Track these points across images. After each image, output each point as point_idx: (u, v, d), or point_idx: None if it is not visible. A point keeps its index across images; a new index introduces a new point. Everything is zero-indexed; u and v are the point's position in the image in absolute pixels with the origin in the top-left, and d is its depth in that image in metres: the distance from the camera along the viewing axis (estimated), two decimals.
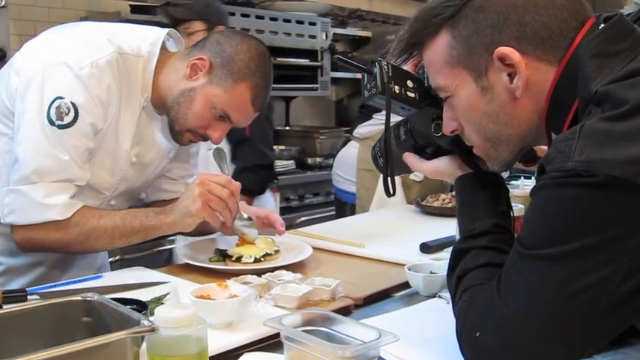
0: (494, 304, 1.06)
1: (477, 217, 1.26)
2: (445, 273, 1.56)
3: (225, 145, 2.75)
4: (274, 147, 4.46)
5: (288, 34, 4.33)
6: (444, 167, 1.38)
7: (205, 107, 1.79)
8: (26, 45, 1.78)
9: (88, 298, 1.13)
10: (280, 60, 4.21)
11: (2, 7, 2.99)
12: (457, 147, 1.33)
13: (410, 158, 1.44)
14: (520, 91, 1.12)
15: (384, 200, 2.87)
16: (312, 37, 4.49)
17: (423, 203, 2.48)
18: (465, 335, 1.11)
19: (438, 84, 1.22)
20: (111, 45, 1.73)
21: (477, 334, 1.07)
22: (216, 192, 1.71)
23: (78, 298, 1.13)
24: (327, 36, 4.57)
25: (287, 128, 4.99)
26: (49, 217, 1.65)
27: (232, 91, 1.78)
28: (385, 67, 1.30)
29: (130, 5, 3.85)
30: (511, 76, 1.12)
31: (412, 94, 1.33)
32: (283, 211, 3.89)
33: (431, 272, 1.63)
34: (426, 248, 1.90)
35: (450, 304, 1.45)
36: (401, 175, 1.44)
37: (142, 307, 1.26)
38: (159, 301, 1.46)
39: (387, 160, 1.39)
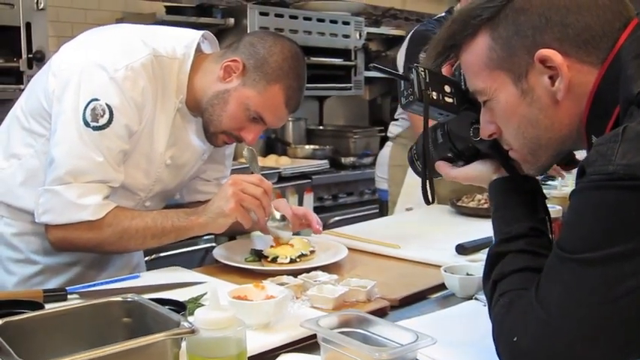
0: (533, 308, 1.04)
1: (513, 220, 1.24)
2: (482, 274, 1.56)
3: None
4: (308, 146, 4.51)
5: (322, 34, 4.33)
6: (477, 172, 1.36)
7: (239, 109, 1.79)
8: (63, 47, 1.81)
9: (128, 299, 1.14)
10: (314, 59, 4.22)
11: (41, 9, 3.03)
12: (496, 151, 1.30)
13: (442, 167, 1.42)
14: (562, 94, 1.10)
15: (409, 194, 2.86)
16: (346, 36, 4.49)
17: (458, 204, 2.47)
18: (502, 340, 1.10)
19: (477, 87, 1.19)
20: (146, 47, 1.75)
21: (515, 339, 1.06)
22: (250, 191, 1.72)
23: (118, 298, 1.15)
24: (360, 35, 4.56)
25: (320, 127, 4.99)
26: (82, 217, 1.67)
27: (266, 93, 1.78)
28: (422, 72, 1.27)
29: (165, 6, 3.89)
30: (552, 78, 1.10)
31: (450, 100, 1.30)
32: (317, 210, 3.87)
33: (467, 274, 1.62)
34: (462, 249, 1.89)
35: (486, 307, 1.45)
36: (437, 178, 1.43)
37: (180, 307, 1.28)
38: (196, 301, 1.47)
39: (425, 167, 1.37)
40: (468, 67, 1.21)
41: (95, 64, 1.69)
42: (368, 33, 4.69)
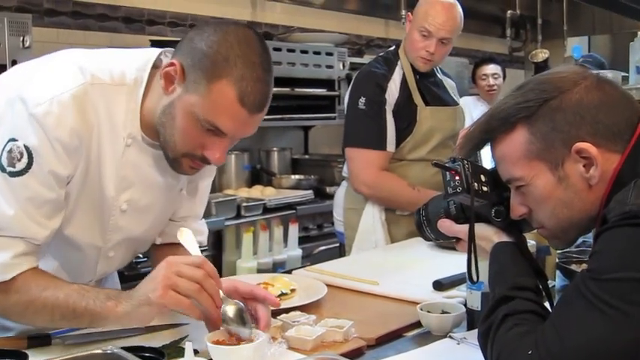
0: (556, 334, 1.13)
1: (520, 273, 1.35)
2: (456, 313, 1.62)
3: None
4: (293, 176, 4.54)
5: (306, 65, 4.39)
6: (479, 232, 1.46)
7: (188, 121, 1.49)
8: None
9: (108, 351, 1.18)
10: (298, 90, 4.29)
11: (27, 47, 3.07)
12: (515, 228, 1.45)
13: (444, 223, 1.53)
14: (596, 180, 1.27)
15: (364, 239, 2.85)
16: (329, 67, 4.55)
17: None
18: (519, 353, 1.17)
19: (514, 175, 1.35)
20: (82, 76, 1.49)
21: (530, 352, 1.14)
22: (188, 273, 1.41)
23: (99, 351, 1.18)
24: (344, 65, 4.63)
25: (306, 157, 5.04)
26: None
27: (210, 94, 1.45)
28: (466, 165, 1.41)
29: (151, 40, 3.93)
30: (586, 166, 1.27)
31: (485, 188, 1.44)
32: (302, 240, 3.87)
33: (443, 312, 1.66)
34: (439, 286, 1.93)
35: (460, 345, 1.50)
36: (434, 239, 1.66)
37: (159, 355, 1.30)
38: (177, 344, 1.50)
39: (470, 250, 1.45)
40: (504, 157, 1.36)
41: (17, 98, 1.45)
42: (351, 63, 4.74)
